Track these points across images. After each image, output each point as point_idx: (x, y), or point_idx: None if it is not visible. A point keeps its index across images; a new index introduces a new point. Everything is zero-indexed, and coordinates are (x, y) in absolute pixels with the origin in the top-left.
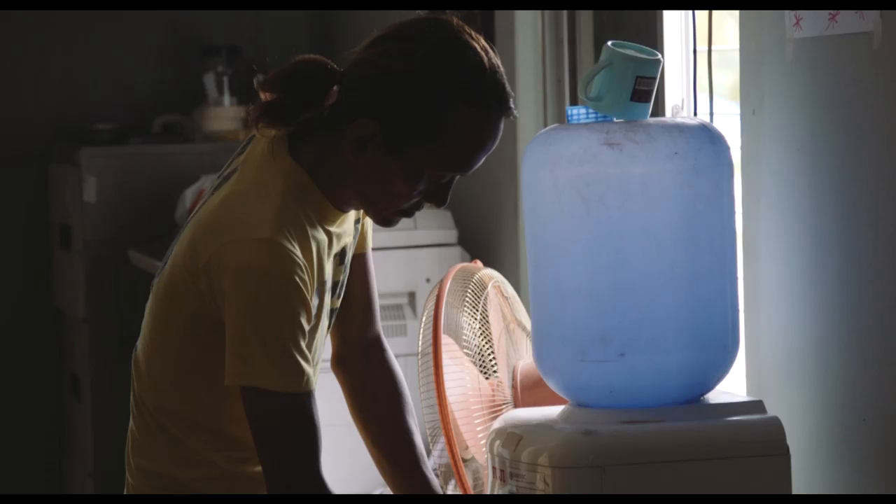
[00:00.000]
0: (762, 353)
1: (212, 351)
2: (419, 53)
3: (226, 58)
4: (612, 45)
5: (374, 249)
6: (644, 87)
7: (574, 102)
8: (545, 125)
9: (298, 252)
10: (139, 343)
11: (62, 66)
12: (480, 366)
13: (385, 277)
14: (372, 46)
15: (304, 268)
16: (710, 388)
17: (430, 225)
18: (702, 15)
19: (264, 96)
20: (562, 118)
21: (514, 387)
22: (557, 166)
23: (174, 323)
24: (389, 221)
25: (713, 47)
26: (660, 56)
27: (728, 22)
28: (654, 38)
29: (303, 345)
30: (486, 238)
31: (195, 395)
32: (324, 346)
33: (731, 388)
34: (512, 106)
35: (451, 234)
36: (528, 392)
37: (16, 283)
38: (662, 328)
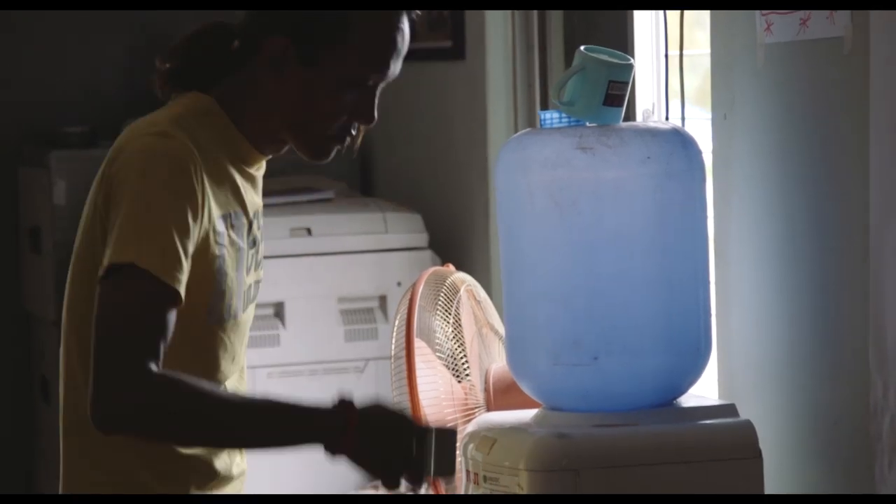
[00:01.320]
0: (734, 356)
1: None
2: None
3: None
4: (585, 49)
5: (345, 253)
6: (617, 92)
7: (545, 107)
8: (516, 130)
9: (192, 146)
10: (61, 352)
11: (31, 67)
12: (453, 369)
13: (356, 281)
14: None
15: (197, 161)
16: (682, 391)
17: (400, 229)
18: (673, 19)
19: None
20: (533, 123)
21: (486, 390)
22: (530, 171)
23: (89, 281)
24: (324, 151)
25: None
26: (632, 61)
27: (697, 27)
28: (624, 43)
29: (186, 242)
30: (456, 242)
31: None
32: (245, 301)
33: (704, 391)
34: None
35: (422, 238)
36: (501, 396)
37: None
38: (635, 332)
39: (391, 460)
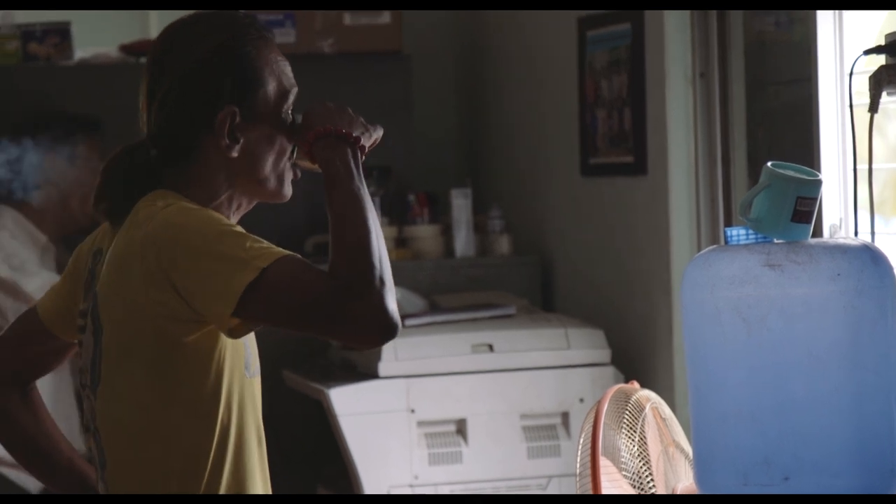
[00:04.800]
0: None
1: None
2: (197, 36)
3: (377, 178)
4: (772, 165)
5: (527, 369)
6: (805, 208)
7: (728, 222)
8: (699, 245)
9: None
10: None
11: None
12: (638, 488)
13: (538, 397)
14: (159, 80)
15: None
16: None
17: (582, 344)
18: (861, 130)
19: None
20: (716, 238)
21: None
22: (717, 287)
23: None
24: (290, 187)
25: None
26: (820, 176)
27: (879, 137)
28: (810, 156)
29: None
30: (639, 358)
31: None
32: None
33: None
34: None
35: (605, 354)
36: None
37: None
38: (827, 451)
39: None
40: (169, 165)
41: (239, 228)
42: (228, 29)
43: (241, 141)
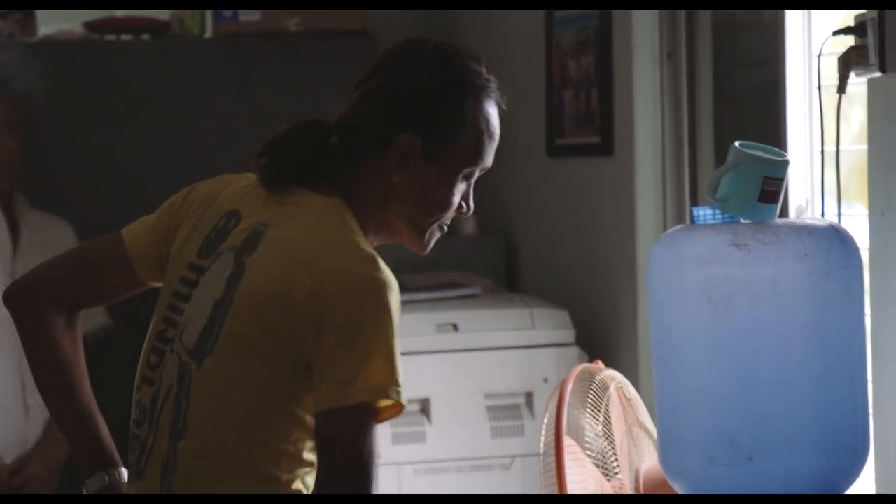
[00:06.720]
0: (892, 457)
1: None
2: (429, 61)
3: None
4: (740, 145)
5: (491, 349)
6: (772, 188)
7: (694, 202)
8: (665, 225)
9: None
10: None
11: None
12: (603, 468)
13: (503, 377)
14: (374, 76)
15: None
16: (840, 493)
17: (547, 325)
18: (829, 112)
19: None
20: (682, 218)
21: (637, 489)
22: (684, 267)
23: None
24: (430, 242)
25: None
26: (788, 156)
27: (847, 120)
28: (777, 137)
29: None
30: (603, 338)
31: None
32: None
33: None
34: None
35: (569, 334)
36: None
37: None
38: (791, 431)
39: None
40: (342, 159)
41: (398, 345)
42: (467, 70)
43: (409, 170)
